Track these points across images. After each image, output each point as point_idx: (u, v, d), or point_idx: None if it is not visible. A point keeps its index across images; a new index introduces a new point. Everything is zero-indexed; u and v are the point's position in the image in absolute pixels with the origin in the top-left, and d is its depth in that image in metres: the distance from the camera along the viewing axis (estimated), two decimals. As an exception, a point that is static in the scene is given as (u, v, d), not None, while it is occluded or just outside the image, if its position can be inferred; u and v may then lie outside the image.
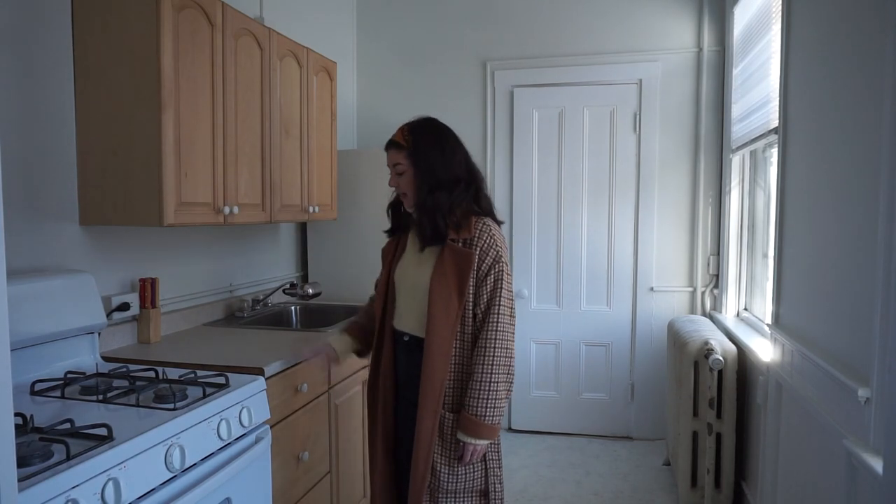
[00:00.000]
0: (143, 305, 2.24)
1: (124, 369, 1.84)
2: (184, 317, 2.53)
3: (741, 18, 3.27)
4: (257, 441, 1.75)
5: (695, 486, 2.93)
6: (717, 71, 3.69)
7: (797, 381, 2.12)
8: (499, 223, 1.90)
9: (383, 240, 2.05)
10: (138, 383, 1.71)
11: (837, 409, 1.77)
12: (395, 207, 1.98)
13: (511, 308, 1.81)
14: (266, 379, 1.89)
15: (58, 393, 1.65)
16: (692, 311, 3.83)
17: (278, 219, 2.63)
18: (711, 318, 3.64)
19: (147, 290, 2.23)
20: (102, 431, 1.33)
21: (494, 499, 1.84)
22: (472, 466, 1.81)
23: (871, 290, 1.58)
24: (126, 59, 1.92)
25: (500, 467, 1.87)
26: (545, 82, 3.91)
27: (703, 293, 3.78)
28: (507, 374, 1.77)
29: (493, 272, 1.78)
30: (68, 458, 1.22)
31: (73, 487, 1.18)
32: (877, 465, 1.44)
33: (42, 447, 1.23)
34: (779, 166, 2.44)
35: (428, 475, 1.77)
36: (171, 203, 1.96)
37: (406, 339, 1.88)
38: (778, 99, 2.45)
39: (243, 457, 1.65)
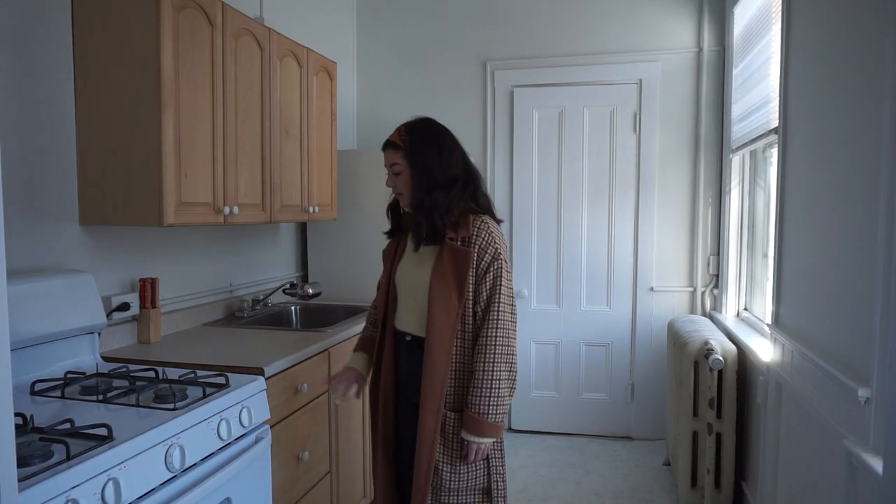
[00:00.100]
0: (143, 305, 2.24)
1: (124, 369, 1.84)
2: (184, 317, 2.53)
3: (741, 18, 3.27)
4: (257, 441, 1.75)
5: (695, 486, 2.93)
6: (717, 71, 3.69)
7: (797, 381, 2.12)
8: (498, 221, 1.90)
9: (383, 240, 2.05)
10: (138, 383, 1.71)
11: (837, 409, 1.77)
12: (394, 209, 1.98)
13: (511, 305, 1.81)
14: (266, 379, 1.89)
15: (58, 393, 1.65)
16: (692, 311, 3.83)
17: (278, 219, 2.64)
18: (711, 318, 3.64)
19: (147, 290, 2.23)
20: (102, 431, 1.33)
21: (497, 496, 1.84)
22: (474, 465, 1.80)
23: (871, 290, 1.57)
24: (126, 59, 1.92)
25: (503, 465, 1.87)
26: (545, 82, 3.91)
27: (703, 293, 3.78)
28: (510, 371, 1.76)
29: (492, 269, 1.78)
30: (68, 458, 1.22)
31: (73, 487, 1.18)
32: (877, 465, 1.44)
33: (42, 447, 1.23)
34: (779, 166, 2.44)
35: (431, 475, 1.77)
36: (171, 203, 1.96)
37: (408, 339, 1.88)
38: (778, 99, 2.45)
39: (243, 457, 1.65)
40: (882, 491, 1.37)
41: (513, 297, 1.83)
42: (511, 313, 1.80)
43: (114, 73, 1.94)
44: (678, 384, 3.03)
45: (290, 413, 2.11)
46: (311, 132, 2.90)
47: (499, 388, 1.73)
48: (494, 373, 1.73)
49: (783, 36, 2.38)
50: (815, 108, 2.06)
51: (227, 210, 2.23)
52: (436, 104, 3.94)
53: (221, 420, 1.62)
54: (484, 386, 1.72)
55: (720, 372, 2.81)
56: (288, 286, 3.05)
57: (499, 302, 1.77)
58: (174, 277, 2.48)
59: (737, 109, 3.35)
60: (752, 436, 2.77)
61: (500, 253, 1.80)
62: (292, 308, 3.12)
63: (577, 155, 3.88)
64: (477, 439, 1.74)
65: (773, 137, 2.61)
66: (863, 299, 1.64)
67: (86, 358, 1.93)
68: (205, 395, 1.63)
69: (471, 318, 1.79)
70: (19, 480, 1.09)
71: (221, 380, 1.76)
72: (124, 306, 2.18)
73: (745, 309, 3.42)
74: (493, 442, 1.80)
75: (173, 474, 1.43)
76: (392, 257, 1.98)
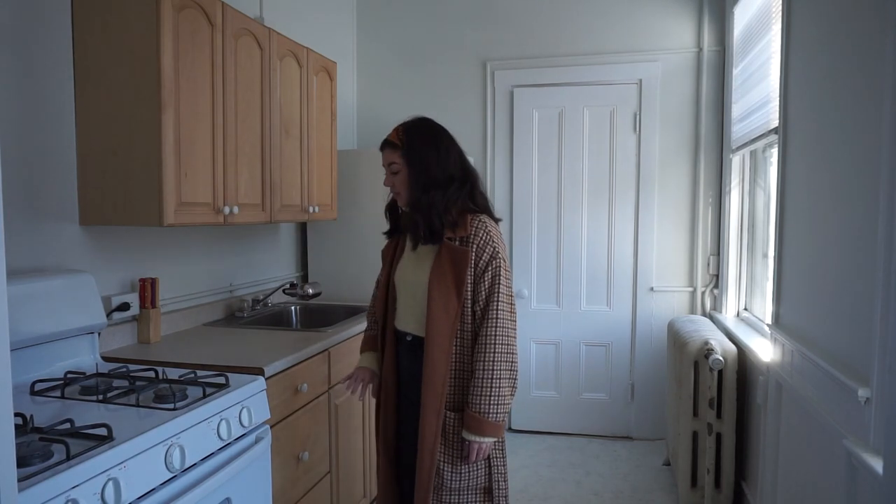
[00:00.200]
0: (143, 305, 2.24)
1: (124, 369, 1.84)
2: (184, 317, 2.53)
3: (741, 18, 3.27)
4: (257, 441, 1.75)
5: (695, 486, 2.93)
6: (717, 71, 3.69)
7: (797, 381, 2.12)
8: (496, 220, 1.90)
9: (383, 240, 2.05)
10: (138, 383, 1.71)
11: (837, 409, 1.77)
12: (392, 209, 1.99)
13: (511, 304, 1.80)
14: (266, 379, 1.89)
15: (58, 393, 1.65)
16: (692, 311, 3.83)
17: (278, 219, 2.64)
18: (711, 318, 3.64)
19: (147, 290, 2.23)
20: (102, 431, 1.33)
21: (498, 496, 1.84)
22: (475, 464, 1.80)
23: (871, 290, 1.57)
24: (126, 59, 1.92)
25: (504, 464, 1.86)
26: (545, 82, 3.91)
27: (703, 293, 3.78)
28: (510, 370, 1.76)
29: (490, 268, 1.78)
30: (68, 458, 1.22)
31: (73, 487, 1.18)
32: (877, 465, 1.44)
33: (42, 447, 1.23)
34: (779, 166, 2.44)
35: (433, 474, 1.77)
36: (171, 203, 1.96)
37: (409, 339, 1.88)
38: (778, 99, 2.45)
39: (243, 457, 1.65)
40: (882, 491, 1.37)
41: (512, 295, 1.82)
42: (510, 312, 1.79)
43: (114, 74, 1.94)
44: (678, 384, 3.03)
45: (290, 413, 2.11)
46: (311, 132, 2.90)
47: (499, 388, 1.73)
48: (495, 372, 1.73)
49: (783, 36, 2.38)
50: (815, 108, 2.06)
51: (227, 210, 2.23)
52: (436, 104, 3.94)
53: (221, 420, 1.62)
54: (484, 385, 1.72)
55: (720, 372, 2.82)
56: (288, 286, 3.05)
57: (497, 301, 1.77)
58: (174, 277, 2.48)
59: (737, 109, 3.35)
60: (752, 436, 2.77)
61: (498, 252, 1.80)
62: (292, 308, 3.12)
63: (577, 155, 3.88)
64: (478, 439, 1.74)
65: (773, 137, 2.61)
66: (863, 299, 1.64)
67: (86, 358, 1.93)
68: (205, 395, 1.63)
69: (470, 318, 1.79)
70: (19, 480, 1.09)
71: (221, 380, 1.76)
72: (124, 306, 2.18)
73: (745, 309, 3.42)
74: (495, 442, 1.80)
75: (173, 474, 1.43)
76: (391, 257, 1.98)
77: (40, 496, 1.11)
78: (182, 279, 2.54)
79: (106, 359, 2.01)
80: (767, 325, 2.59)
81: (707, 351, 2.80)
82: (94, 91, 1.96)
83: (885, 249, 1.49)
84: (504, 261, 1.81)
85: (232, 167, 2.27)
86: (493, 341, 1.74)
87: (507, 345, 1.76)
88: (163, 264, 2.42)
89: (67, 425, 1.35)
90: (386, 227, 2.02)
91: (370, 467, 2.77)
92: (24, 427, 1.34)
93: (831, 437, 1.80)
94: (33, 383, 1.68)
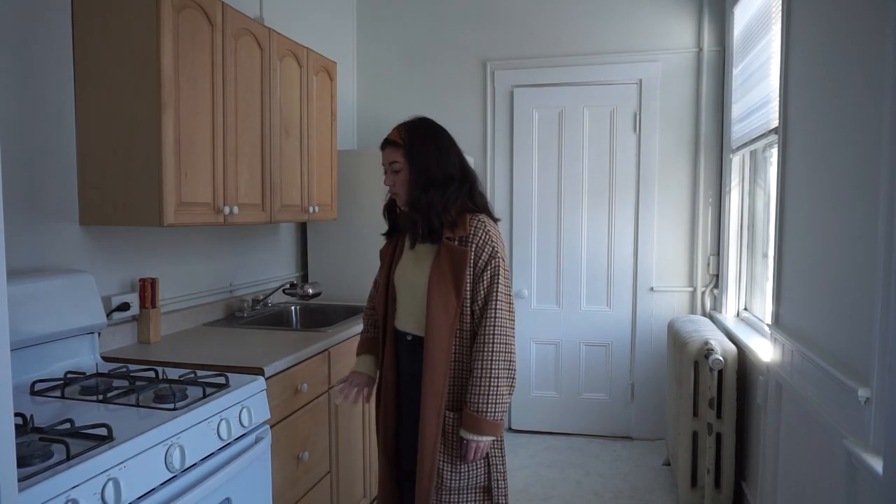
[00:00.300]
0: (143, 305, 2.24)
1: (124, 369, 1.84)
2: (184, 317, 2.53)
3: (741, 18, 3.27)
4: (257, 441, 1.75)
5: (695, 486, 2.93)
6: (717, 71, 3.69)
7: (797, 381, 2.12)
8: (495, 220, 1.90)
9: (383, 240, 2.05)
10: (138, 383, 1.71)
11: (837, 409, 1.77)
12: (391, 210, 1.99)
13: (509, 304, 1.81)
14: (266, 379, 1.89)
15: (58, 393, 1.65)
16: (692, 311, 3.83)
17: (278, 219, 2.64)
18: (711, 318, 3.64)
19: (147, 290, 2.23)
20: (102, 431, 1.33)
21: (498, 495, 1.84)
22: (474, 463, 1.80)
23: (871, 290, 1.57)
24: (126, 59, 1.92)
25: (503, 463, 1.87)
26: (545, 82, 3.91)
27: (703, 293, 3.78)
28: (508, 369, 1.76)
29: (489, 268, 1.78)
30: (68, 458, 1.22)
31: (73, 487, 1.18)
32: (877, 465, 1.44)
33: (42, 447, 1.23)
34: (779, 166, 2.44)
35: (434, 474, 1.77)
36: (171, 203, 1.96)
37: (409, 338, 1.88)
38: (778, 99, 2.45)
39: (243, 457, 1.65)
40: (882, 491, 1.37)
41: (510, 295, 1.83)
42: (509, 311, 1.80)
43: (114, 74, 1.94)
44: (678, 384, 3.03)
45: (290, 413, 2.11)
46: (311, 132, 2.90)
47: (497, 387, 1.73)
48: (493, 370, 1.73)
49: (783, 36, 2.38)
50: (815, 108, 2.06)
51: (227, 210, 2.23)
52: (436, 104, 3.94)
53: (221, 420, 1.62)
54: (482, 384, 1.72)
55: (720, 372, 2.82)
56: (288, 286, 3.05)
57: (496, 300, 1.77)
58: (174, 277, 2.48)
59: (737, 109, 3.35)
60: (752, 436, 2.77)
61: (497, 251, 1.80)
62: (292, 308, 3.12)
63: (577, 155, 3.88)
64: (476, 437, 1.74)
65: (773, 137, 2.61)
66: (863, 299, 1.64)
67: (86, 358, 1.93)
68: (205, 395, 1.63)
69: (469, 317, 1.79)
70: (19, 480, 1.09)
71: (221, 380, 1.76)
72: (124, 306, 2.18)
73: (745, 309, 3.42)
74: (493, 441, 1.80)
75: (173, 474, 1.43)
76: (390, 257, 1.98)
77: (40, 496, 1.11)
78: (182, 279, 2.54)
79: (106, 359, 2.01)
80: (767, 325, 2.59)
81: (707, 351, 2.80)
82: (94, 91, 1.96)
83: (885, 249, 1.49)
84: (503, 260, 1.81)
85: (232, 167, 2.27)
86: (491, 340, 1.74)
87: (506, 344, 1.76)
88: (163, 264, 2.42)
89: (67, 425, 1.35)
90: (385, 227, 2.02)
91: (370, 467, 2.77)
92: (24, 427, 1.34)
93: (831, 437, 1.80)
94: (33, 383, 1.68)
